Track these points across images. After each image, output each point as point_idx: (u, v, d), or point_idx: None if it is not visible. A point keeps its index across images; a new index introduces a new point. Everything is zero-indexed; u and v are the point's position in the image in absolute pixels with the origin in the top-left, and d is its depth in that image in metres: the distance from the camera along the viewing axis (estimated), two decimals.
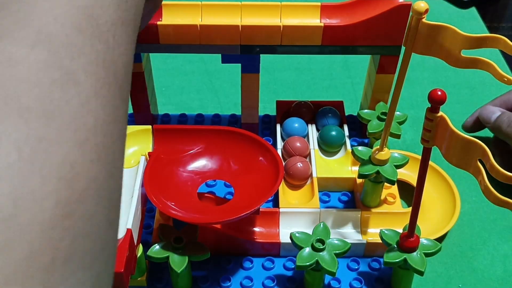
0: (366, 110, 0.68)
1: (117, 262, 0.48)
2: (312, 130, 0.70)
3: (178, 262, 0.53)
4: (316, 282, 0.56)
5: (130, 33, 0.35)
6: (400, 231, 0.55)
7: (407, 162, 0.59)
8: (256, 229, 0.61)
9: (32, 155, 0.25)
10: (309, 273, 0.55)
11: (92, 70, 0.29)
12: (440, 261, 0.61)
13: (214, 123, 0.76)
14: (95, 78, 0.29)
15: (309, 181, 0.65)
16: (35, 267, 0.24)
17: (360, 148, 0.60)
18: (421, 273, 0.53)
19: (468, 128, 0.73)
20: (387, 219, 0.62)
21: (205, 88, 0.85)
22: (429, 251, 0.54)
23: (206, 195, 0.62)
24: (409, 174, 0.67)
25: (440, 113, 0.44)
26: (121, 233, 0.50)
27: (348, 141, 0.68)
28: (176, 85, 0.85)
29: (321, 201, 0.65)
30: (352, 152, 0.60)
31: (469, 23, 0.98)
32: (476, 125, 0.72)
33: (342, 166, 0.67)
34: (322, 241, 0.54)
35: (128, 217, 0.51)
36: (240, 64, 0.65)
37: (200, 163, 0.59)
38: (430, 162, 0.50)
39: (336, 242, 0.55)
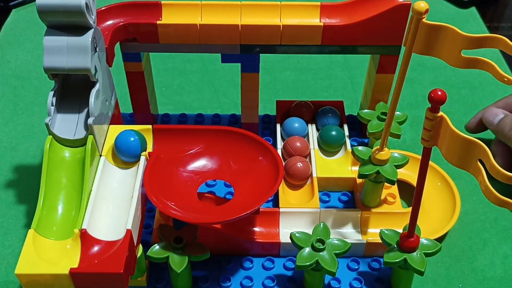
0: (366, 110, 0.68)
1: (117, 262, 0.48)
2: (312, 130, 0.70)
3: (178, 262, 0.53)
4: (316, 282, 0.56)
5: None
6: (400, 231, 0.55)
7: (407, 162, 0.58)
8: (256, 229, 0.61)
9: None
10: (309, 273, 0.55)
11: None
12: (440, 261, 0.61)
13: (214, 123, 0.76)
14: None
15: (309, 181, 0.65)
16: None
17: (360, 148, 0.60)
18: (421, 273, 0.53)
19: (471, 129, 0.73)
20: (387, 219, 0.62)
21: (205, 88, 0.85)
22: (429, 251, 0.54)
23: (206, 195, 0.62)
24: (409, 174, 0.67)
25: (440, 113, 0.44)
26: (121, 233, 0.50)
27: (348, 141, 0.68)
28: (176, 85, 0.85)
29: (321, 201, 0.65)
30: (352, 152, 0.60)
31: (469, 23, 0.98)
32: (479, 126, 0.72)
33: (342, 166, 0.67)
34: (322, 241, 0.54)
35: (128, 217, 0.51)
36: (240, 64, 0.65)
37: (200, 163, 0.59)
38: (430, 162, 0.50)
39: (336, 242, 0.55)
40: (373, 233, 0.61)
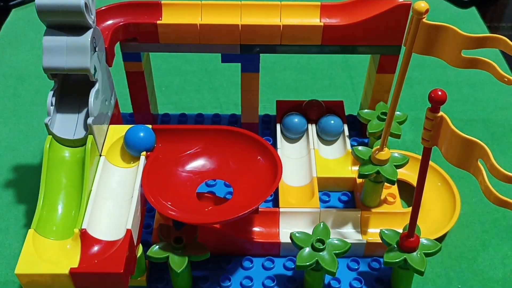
0: (366, 110, 0.68)
1: (117, 262, 0.48)
2: (312, 130, 0.70)
3: (178, 262, 0.53)
4: (316, 282, 0.56)
5: None
6: (400, 231, 0.55)
7: (407, 162, 0.58)
8: (256, 229, 0.61)
9: None
10: (309, 273, 0.55)
11: None
12: (440, 261, 0.61)
13: (214, 123, 0.76)
14: None
15: (309, 181, 0.65)
16: None
17: (360, 148, 0.60)
18: (421, 273, 0.53)
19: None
20: (387, 219, 0.62)
21: (205, 88, 0.85)
22: (429, 251, 0.54)
23: (205, 194, 0.62)
24: (409, 174, 0.67)
25: (441, 113, 0.44)
26: (121, 233, 0.50)
27: (348, 141, 0.68)
28: (176, 85, 0.85)
29: (321, 201, 0.65)
30: (352, 152, 0.60)
31: (469, 23, 0.98)
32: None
33: (342, 166, 0.67)
34: (322, 241, 0.54)
35: (128, 217, 0.51)
36: (240, 64, 0.65)
37: (199, 163, 0.59)
38: (430, 162, 0.50)
39: (336, 242, 0.55)
40: (373, 233, 0.61)
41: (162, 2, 0.62)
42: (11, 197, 0.68)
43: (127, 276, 0.49)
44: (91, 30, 0.53)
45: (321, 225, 0.56)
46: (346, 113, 0.74)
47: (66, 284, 0.48)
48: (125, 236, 0.50)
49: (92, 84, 0.55)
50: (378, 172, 0.57)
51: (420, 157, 0.48)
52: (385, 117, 0.65)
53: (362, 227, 0.62)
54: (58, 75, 0.55)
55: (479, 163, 0.43)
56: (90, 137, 0.54)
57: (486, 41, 0.44)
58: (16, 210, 0.67)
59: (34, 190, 0.54)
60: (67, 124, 0.56)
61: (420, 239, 0.54)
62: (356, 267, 0.59)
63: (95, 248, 0.50)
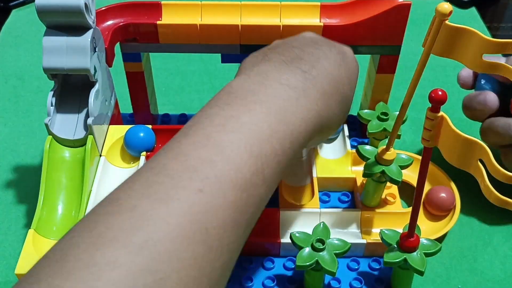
0: (366, 110, 0.68)
1: None
2: None
3: None
4: (316, 282, 0.56)
5: (240, 233, 0.39)
6: (400, 231, 0.55)
7: (411, 163, 0.58)
8: (256, 229, 0.61)
9: None
10: (309, 273, 0.55)
11: (185, 273, 0.32)
12: (440, 261, 0.61)
13: None
14: (185, 280, 0.32)
15: (309, 181, 0.65)
16: None
17: (366, 147, 0.59)
18: (421, 273, 0.53)
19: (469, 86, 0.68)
20: (387, 219, 0.62)
21: (205, 88, 0.85)
22: (429, 251, 0.54)
23: None
24: (409, 174, 0.67)
25: (441, 113, 0.44)
26: None
27: (348, 141, 0.68)
28: (176, 85, 0.85)
29: (321, 201, 0.65)
30: (357, 150, 0.60)
31: (469, 23, 0.97)
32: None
33: (342, 166, 0.67)
34: (322, 241, 0.54)
35: None
36: (240, 64, 0.65)
37: None
38: (430, 162, 0.50)
39: (336, 242, 0.54)
40: (373, 233, 0.61)
41: (162, 2, 0.62)
42: (11, 197, 0.68)
43: None
44: (91, 30, 0.53)
45: (321, 225, 0.56)
46: None
47: None
48: None
49: (92, 84, 0.55)
50: (383, 172, 0.57)
51: (420, 157, 0.48)
52: (385, 117, 0.65)
53: (362, 227, 0.62)
54: (58, 75, 0.55)
55: (479, 163, 0.43)
56: (90, 137, 0.54)
57: (508, 47, 0.44)
58: (16, 210, 0.67)
59: (34, 190, 0.54)
60: (67, 124, 0.56)
61: (420, 239, 0.54)
62: (356, 267, 0.59)
63: None
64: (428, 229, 0.62)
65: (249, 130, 0.39)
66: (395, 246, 0.54)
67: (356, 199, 0.65)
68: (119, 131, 0.59)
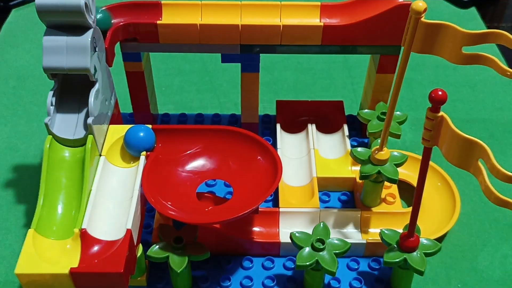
0: (366, 110, 0.68)
1: (117, 262, 0.48)
2: (312, 130, 0.70)
3: (178, 262, 0.53)
4: (316, 282, 0.56)
5: None
6: (400, 231, 0.55)
7: (406, 160, 0.59)
8: (256, 229, 0.61)
9: None
10: (309, 273, 0.55)
11: None
12: (440, 261, 0.61)
13: (214, 122, 0.76)
14: None
15: (309, 181, 0.65)
16: None
17: (359, 149, 0.60)
18: (421, 273, 0.53)
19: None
20: (387, 219, 0.62)
21: (205, 88, 0.85)
22: (429, 251, 0.54)
23: (205, 194, 0.62)
24: (409, 174, 0.67)
25: (441, 113, 0.44)
26: (121, 233, 0.50)
27: (348, 141, 0.68)
28: (176, 85, 0.85)
29: (321, 201, 0.65)
30: (351, 153, 0.60)
31: (469, 23, 0.98)
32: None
33: (342, 166, 0.67)
34: (322, 241, 0.54)
35: (128, 217, 0.51)
36: (240, 64, 0.65)
37: (199, 163, 0.59)
38: (430, 162, 0.50)
39: (336, 242, 0.55)
40: (373, 233, 0.61)
41: (162, 2, 0.62)
42: (11, 197, 0.68)
43: (127, 276, 0.49)
44: (91, 30, 0.53)
45: (321, 225, 0.56)
46: (346, 113, 0.74)
47: (66, 284, 0.48)
48: (125, 236, 0.50)
49: (92, 84, 0.55)
50: (379, 172, 0.57)
51: (420, 157, 0.48)
52: (385, 117, 0.65)
53: (362, 227, 0.62)
54: (58, 75, 0.55)
55: (479, 163, 0.43)
56: (90, 137, 0.54)
57: (487, 37, 0.44)
58: (16, 210, 0.67)
59: (34, 190, 0.54)
60: (67, 124, 0.56)
61: (420, 239, 0.54)
62: (356, 267, 0.59)
63: (95, 248, 0.50)
64: (428, 229, 0.62)
65: None
66: (395, 246, 0.54)
67: (356, 199, 0.65)
68: (119, 130, 0.59)
